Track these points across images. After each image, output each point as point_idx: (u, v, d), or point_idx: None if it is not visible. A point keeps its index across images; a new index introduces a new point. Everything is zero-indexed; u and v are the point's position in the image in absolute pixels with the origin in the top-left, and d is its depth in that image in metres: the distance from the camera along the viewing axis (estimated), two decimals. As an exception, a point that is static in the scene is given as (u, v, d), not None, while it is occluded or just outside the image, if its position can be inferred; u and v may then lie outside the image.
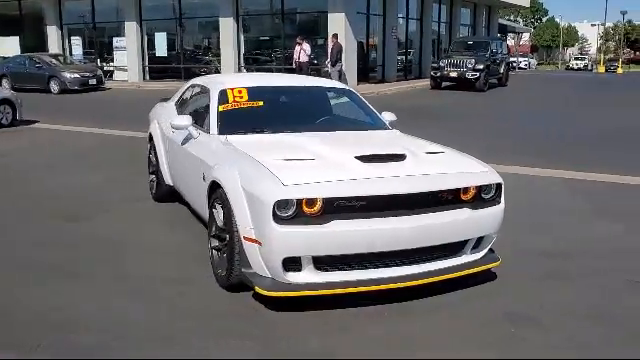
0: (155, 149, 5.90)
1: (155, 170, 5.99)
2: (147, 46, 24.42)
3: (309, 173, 3.50)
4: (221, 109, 4.67)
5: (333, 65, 17.58)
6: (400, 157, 3.79)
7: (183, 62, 23.88)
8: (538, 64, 67.62)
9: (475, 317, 3.51)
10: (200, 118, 4.89)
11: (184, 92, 5.85)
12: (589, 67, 59.31)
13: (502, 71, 22.45)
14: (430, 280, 3.61)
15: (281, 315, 3.46)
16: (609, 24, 78.80)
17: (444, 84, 20.77)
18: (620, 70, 49.98)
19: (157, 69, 24.59)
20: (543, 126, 12.32)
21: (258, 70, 22.48)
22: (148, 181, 6.29)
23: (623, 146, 9.76)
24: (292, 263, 3.40)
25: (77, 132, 11.15)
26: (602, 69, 53.71)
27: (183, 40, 24.29)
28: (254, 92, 4.86)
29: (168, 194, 5.88)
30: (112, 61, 25.08)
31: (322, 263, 3.44)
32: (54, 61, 21.00)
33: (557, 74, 44.23)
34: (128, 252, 4.58)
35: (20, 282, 3.97)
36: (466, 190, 3.73)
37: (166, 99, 6.97)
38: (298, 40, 18.77)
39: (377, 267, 3.53)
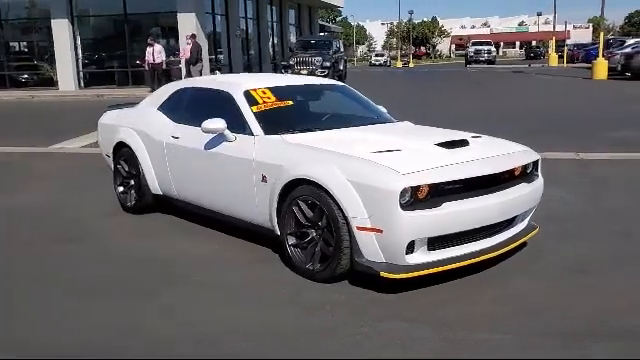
0: (135, 157, 5.56)
1: (130, 181, 5.67)
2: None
3: (415, 162, 3.77)
4: (255, 110, 4.65)
5: (194, 64, 17.30)
6: (466, 142, 4.22)
7: (7, 69, 21.44)
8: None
9: (544, 275, 4.05)
10: None
11: (170, 97, 5.56)
12: (388, 63, 65.01)
13: (342, 67, 23.91)
14: (508, 248, 4.10)
15: (397, 296, 3.69)
16: (395, 23, 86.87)
17: (294, 81, 21.53)
18: (412, 64, 57.26)
19: (-27, 78, 21.79)
20: (402, 112, 13.64)
21: (100, 74, 21.11)
22: (117, 194, 5.90)
23: (491, 125, 11.24)
24: (409, 246, 3.66)
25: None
26: (399, 64, 59.57)
27: (6, 45, 21.79)
28: (278, 92, 4.89)
29: (152, 205, 5.62)
30: None
31: (433, 243, 3.75)
32: None
33: (368, 69, 47.81)
34: (177, 265, 4.35)
35: (102, 303, 3.66)
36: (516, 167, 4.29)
37: (115, 106, 6.56)
38: (149, 41, 18.13)
39: (472, 241, 3.92)
